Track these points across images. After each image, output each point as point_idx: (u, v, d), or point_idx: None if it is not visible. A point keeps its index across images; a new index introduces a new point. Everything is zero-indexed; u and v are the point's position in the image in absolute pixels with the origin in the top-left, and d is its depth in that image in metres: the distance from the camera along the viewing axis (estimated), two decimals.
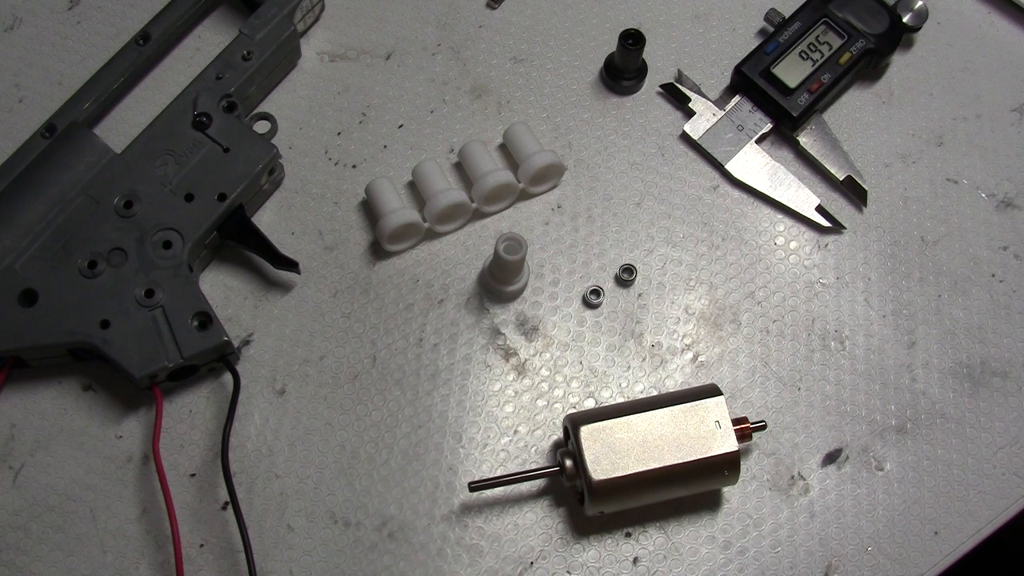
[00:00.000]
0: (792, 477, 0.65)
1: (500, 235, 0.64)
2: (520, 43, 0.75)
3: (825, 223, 0.71)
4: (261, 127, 0.71)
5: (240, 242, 0.66)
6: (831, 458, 0.65)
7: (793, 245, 0.70)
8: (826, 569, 0.62)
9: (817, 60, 0.72)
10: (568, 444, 0.62)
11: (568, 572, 0.62)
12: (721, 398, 0.61)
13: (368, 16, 0.76)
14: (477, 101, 0.74)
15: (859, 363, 0.67)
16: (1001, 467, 0.65)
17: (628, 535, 0.63)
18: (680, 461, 0.59)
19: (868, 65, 0.74)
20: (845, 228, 0.71)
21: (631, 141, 0.73)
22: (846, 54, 0.72)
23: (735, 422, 0.61)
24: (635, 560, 0.62)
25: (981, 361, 0.68)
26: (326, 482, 0.63)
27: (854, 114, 0.74)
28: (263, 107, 0.72)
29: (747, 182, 0.71)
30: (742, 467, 0.61)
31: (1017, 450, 0.66)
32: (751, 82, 0.72)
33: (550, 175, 0.70)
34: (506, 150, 0.71)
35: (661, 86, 0.74)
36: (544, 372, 0.66)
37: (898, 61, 0.76)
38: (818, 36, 0.72)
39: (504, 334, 0.67)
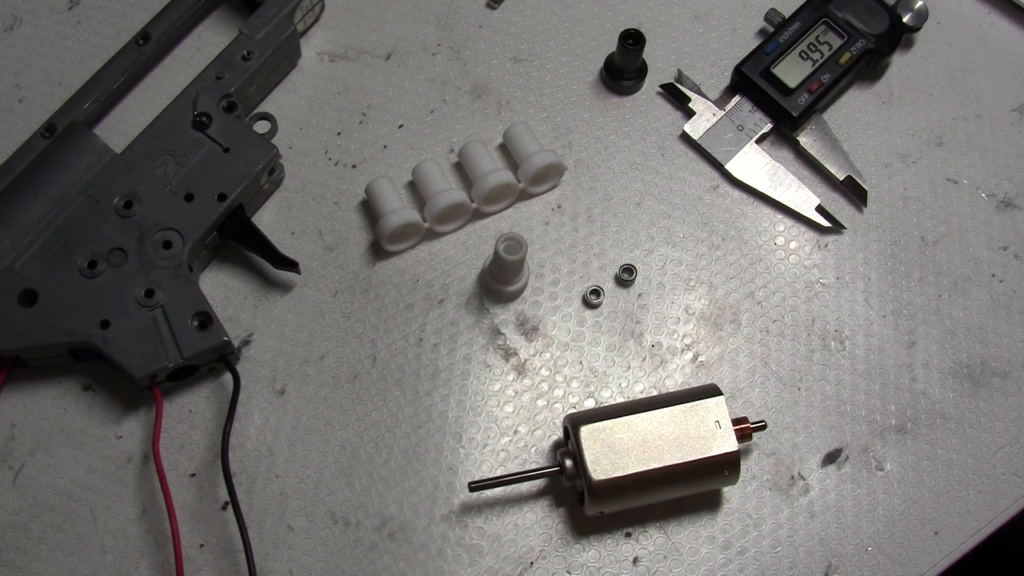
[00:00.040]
0: (792, 477, 0.65)
1: (500, 235, 0.64)
2: (520, 43, 0.75)
3: (825, 223, 0.71)
4: (261, 127, 0.71)
5: (240, 242, 0.66)
6: (831, 458, 0.65)
7: (793, 245, 0.70)
8: (826, 569, 0.62)
9: (817, 60, 0.72)
10: (568, 444, 0.62)
11: (568, 572, 0.62)
12: (721, 398, 0.61)
13: (368, 16, 0.76)
14: (477, 101, 0.74)
15: (859, 363, 0.67)
16: (1001, 467, 0.65)
17: (628, 535, 0.63)
18: (680, 461, 0.59)
19: (868, 65, 0.74)
20: (845, 228, 0.71)
21: (631, 141, 0.73)
22: (846, 54, 0.72)
23: (735, 422, 0.61)
24: (635, 560, 0.62)
25: (981, 361, 0.68)
26: (326, 482, 0.63)
27: (854, 114, 0.74)
28: (263, 107, 0.72)
29: (747, 182, 0.71)
30: (742, 467, 0.61)
31: (1017, 450, 0.66)
32: (751, 82, 0.72)
33: (550, 175, 0.70)
34: (506, 150, 0.71)
35: (661, 86, 0.74)
36: (544, 372, 0.66)
37: (898, 61, 0.76)
38: (818, 36, 0.72)
39: (504, 334, 0.67)
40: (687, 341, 0.68)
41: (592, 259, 0.69)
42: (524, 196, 0.71)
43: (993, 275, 0.70)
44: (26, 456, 0.63)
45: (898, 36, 0.73)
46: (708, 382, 0.64)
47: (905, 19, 0.74)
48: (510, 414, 0.65)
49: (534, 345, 0.67)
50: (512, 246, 0.63)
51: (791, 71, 0.72)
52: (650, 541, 0.63)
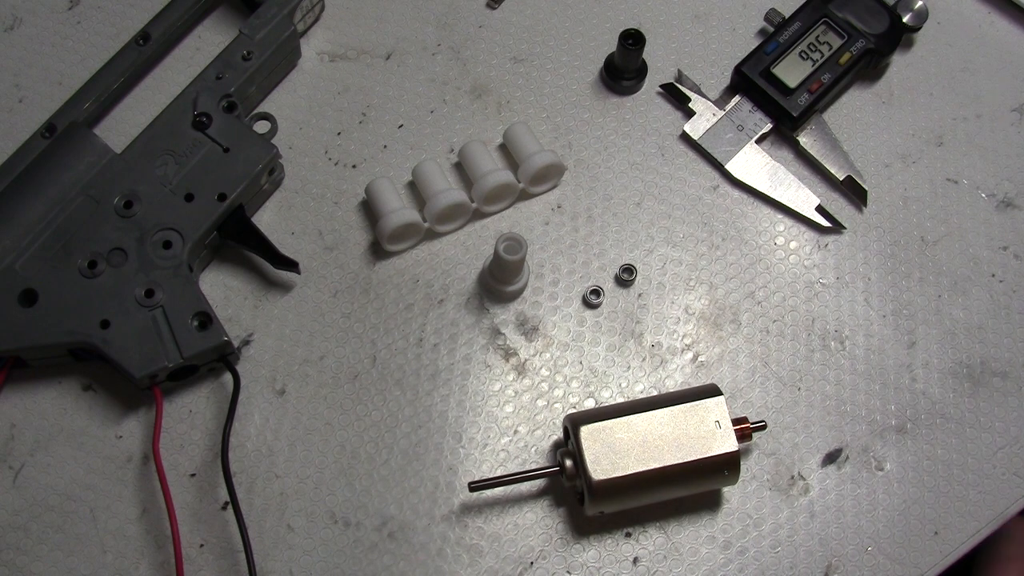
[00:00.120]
0: (792, 477, 0.65)
1: (500, 235, 0.64)
2: (520, 43, 0.75)
3: (825, 223, 0.71)
4: (261, 127, 0.71)
5: (240, 242, 0.66)
6: (831, 458, 0.65)
7: (793, 245, 0.70)
8: (826, 569, 0.62)
9: (817, 60, 0.72)
10: (568, 444, 0.62)
11: (568, 572, 0.62)
12: (721, 398, 0.61)
13: (368, 16, 0.76)
14: (477, 101, 0.74)
15: (859, 363, 0.67)
16: (1001, 467, 0.65)
17: (628, 535, 0.63)
18: (680, 461, 0.59)
19: (868, 65, 0.74)
20: (845, 228, 0.71)
21: (631, 141, 0.73)
22: (846, 54, 0.72)
23: (735, 422, 0.61)
24: (635, 560, 0.62)
25: (981, 361, 0.68)
26: (326, 482, 0.63)
27: (854, 114, 0.74)
28: (263, 107, 0.72)
29: (747, 182, 0.71)
30: (742, 467, 0.61)
31: (1017, 450, 0.66)
32: (751, 82, 0.72)
33: (550, 175, 0.70)
34: (506, 150, 0.71)
35: (661, 86, 0.74)
36: (544, 372, 0.66)
37: (898, 61, 0.76)
38: (818, 36, 0.72)
39: (504, 334, 0.67)
40: (687, 341, 0.68)
41: (592, 259, 0.69)
42: (524, 196, 0.71)
43: (993, 275, 0.70)
44: (26, 456, 0.63)
45: (898, 36, 0.73)
46: (708, 382, 0.64)
47: (905, 19, 0.74)
48: (510, 414, 0.65)
49: (534, 345, 0.67)
50: (512, 246, 0.63)
51: (791, 71, 0.72)
52: (650, 541, 0.63)
